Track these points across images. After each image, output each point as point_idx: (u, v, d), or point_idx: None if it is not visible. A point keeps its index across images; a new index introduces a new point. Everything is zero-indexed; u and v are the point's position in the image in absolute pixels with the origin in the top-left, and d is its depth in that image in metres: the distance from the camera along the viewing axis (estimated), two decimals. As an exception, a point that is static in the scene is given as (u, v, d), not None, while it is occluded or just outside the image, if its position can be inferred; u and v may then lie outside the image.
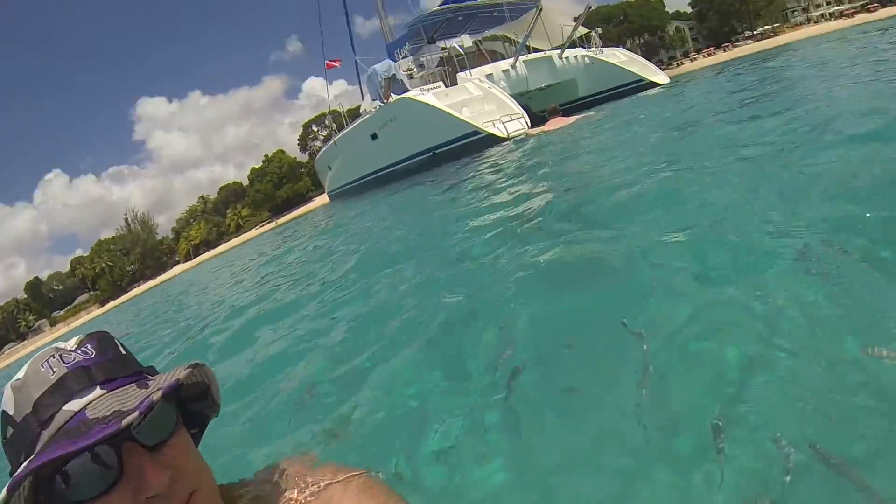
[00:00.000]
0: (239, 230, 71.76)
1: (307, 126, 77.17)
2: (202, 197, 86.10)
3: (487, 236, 3.89)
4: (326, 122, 58.46)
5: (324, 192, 37.92)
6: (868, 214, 1.97)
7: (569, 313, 2.20)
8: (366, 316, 3.22)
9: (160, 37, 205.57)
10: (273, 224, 57.45)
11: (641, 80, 20.99)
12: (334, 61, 30.38)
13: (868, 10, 72.36)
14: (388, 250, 5.30)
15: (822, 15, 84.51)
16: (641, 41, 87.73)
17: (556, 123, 11.98)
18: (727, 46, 76.24)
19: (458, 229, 4.72)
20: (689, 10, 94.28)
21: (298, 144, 78.07)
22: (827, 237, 1.91)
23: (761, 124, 4.73)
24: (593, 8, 27.10)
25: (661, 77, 21.69)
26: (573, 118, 12.06)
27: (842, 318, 1.54)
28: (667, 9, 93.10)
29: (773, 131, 4.15)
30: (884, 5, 71.82)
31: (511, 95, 17.98)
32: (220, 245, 67.45)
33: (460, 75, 19.55)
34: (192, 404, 0.89)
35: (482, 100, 17.45)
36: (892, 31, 14.94)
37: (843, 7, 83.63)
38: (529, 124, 15.41)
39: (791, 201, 2.42)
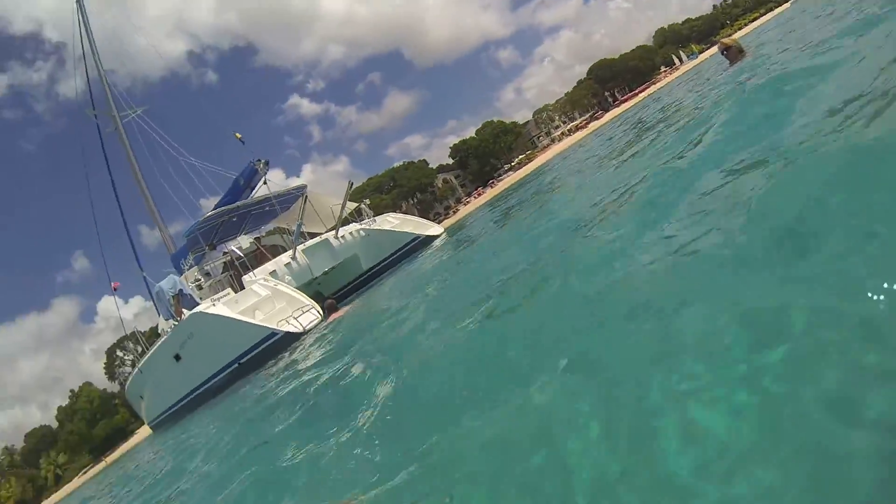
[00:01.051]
0: (59, 481, 61.41)
1: (111, 352, 70.60)
2: (6, 448, 72.49)
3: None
4: (130, 345, 54.67)
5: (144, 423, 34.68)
6: None
7: None
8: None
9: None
10: (102, 464, 50.67)
11: (418, 237, 22.31)
12: (114, 285, 29.06)
13: (595, 119, 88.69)
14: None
15: (562, 133, 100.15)
16: (415, 200, 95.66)
17: (335, 316, 13.01)
18: (493, 183, 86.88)
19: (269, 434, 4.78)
20: (450, 161, 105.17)
21: (105, 373, 70.82)
22: None
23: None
24: (354, 185, 28.89)
25: (434, 229, 23.32)
26: (344, 309, 13.05)
27: None
28: (430, 165, 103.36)
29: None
30: (606, 110, 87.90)
31: (299, 287, 18.23)
32: (40, 504, 57.36)
33: (245, 278, 19.48)
34: None
35: (272, 299, 17.49)
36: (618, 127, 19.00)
37: (577, 122, 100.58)
38: (322, 313, 15.65)
39: None
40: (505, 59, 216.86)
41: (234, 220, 23.60)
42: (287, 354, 12.22)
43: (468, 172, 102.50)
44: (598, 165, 8.53)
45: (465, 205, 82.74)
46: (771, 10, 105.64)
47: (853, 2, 9.28)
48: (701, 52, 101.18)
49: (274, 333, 15.36)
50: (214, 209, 23.76)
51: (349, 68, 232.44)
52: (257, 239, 24.67)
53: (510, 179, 72.24)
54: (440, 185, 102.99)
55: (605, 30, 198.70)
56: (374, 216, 24.88)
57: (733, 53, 8.86)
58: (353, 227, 23.28)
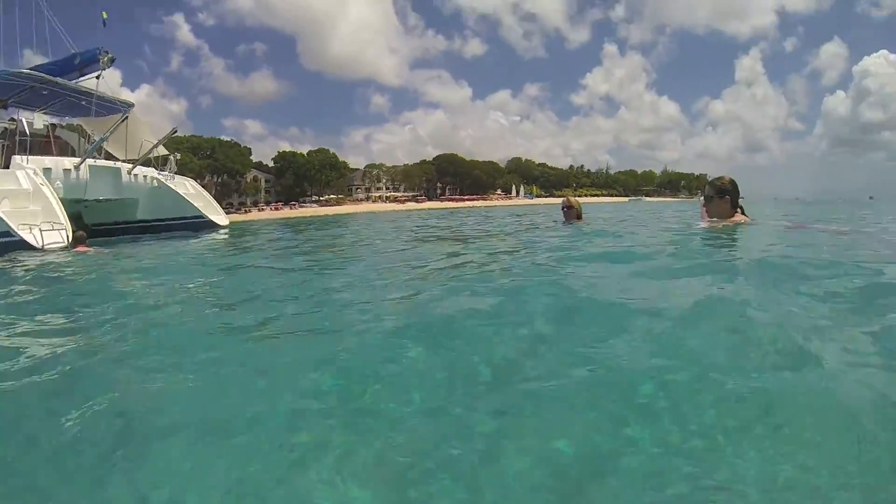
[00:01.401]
0: None
1: None
2: None
3: None
4: None
5: None
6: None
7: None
8: None
9: None
10: None
11: (202, 216, 21.25)
12: None
13: (417, 201, 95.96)
14: None
15: (379, 196, 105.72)
16: (220, 180, 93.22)
17: (80, 249, 12.68)
18: (294, 205, 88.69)
19: None
20: (271, 163, 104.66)
21: None
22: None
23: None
24: (177, 133, 27.19)
25: (221, 218, 22.25)
26: (92, 249, 12.56)
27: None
28: (252, 157, 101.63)
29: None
30: (430, 199, 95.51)
31: (65, 200, 16.82)
32: None
33: (16, 158, 17.55)
34: None
35: (30, 196, 15.95)
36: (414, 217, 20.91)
37: (398, 194, 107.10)
38: (69, 240, 14.41)
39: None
40: (376, 105, 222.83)
41: (44, 93, 21.30)
42: (7, 264, 10.14)
43: (280, 183, 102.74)
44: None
45: (259, 210, 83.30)
46: (611, 196, 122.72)
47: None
48: (538, 196, 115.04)
49: (9, 234, 14.02)
50: (33, 68, 21.56)
51: (245, 25, 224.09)
52: (53, 126, 22.58)
53: (311, 210, 74.67)
54: (248, 181, 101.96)
55: (473, 132, 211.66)
56: (175, 173, 23.74)
57: (572, 214, 9.31)
58: (150, 171, 22.07)
